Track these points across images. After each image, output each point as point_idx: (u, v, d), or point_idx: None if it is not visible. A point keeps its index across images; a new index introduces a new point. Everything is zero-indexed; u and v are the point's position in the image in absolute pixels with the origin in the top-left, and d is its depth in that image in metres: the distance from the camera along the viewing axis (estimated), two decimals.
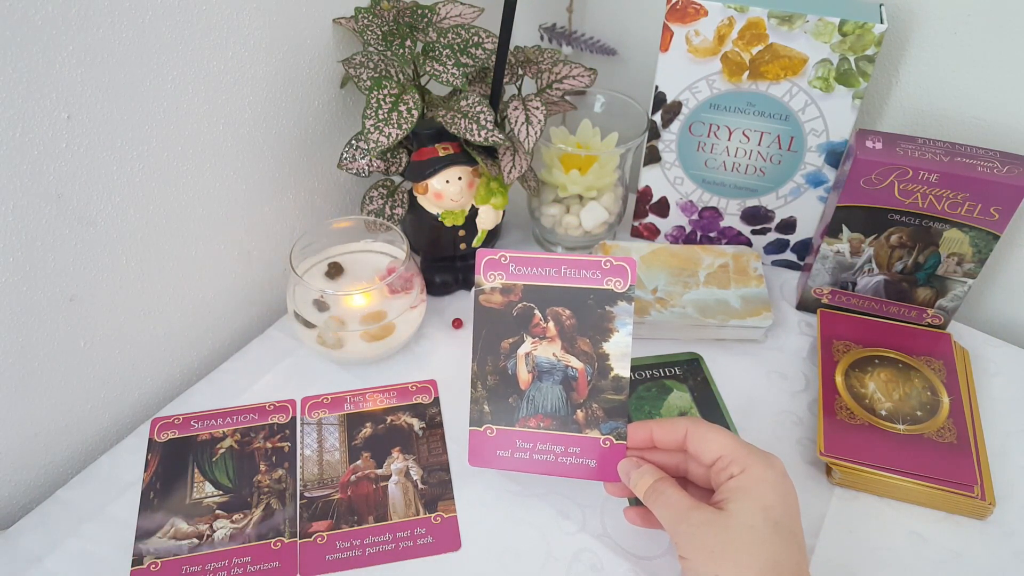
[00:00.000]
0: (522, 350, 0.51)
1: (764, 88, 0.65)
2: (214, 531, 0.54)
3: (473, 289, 0.52)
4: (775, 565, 0.41)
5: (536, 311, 0.51)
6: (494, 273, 0.51)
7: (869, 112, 0.71)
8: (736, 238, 0.76)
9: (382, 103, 0.59)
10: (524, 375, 0.51)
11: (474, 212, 0.67)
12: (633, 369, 0.63)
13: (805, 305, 0.71)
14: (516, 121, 0.63)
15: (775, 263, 0.77)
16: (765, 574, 0.41)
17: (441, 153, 0.63)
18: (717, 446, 0.46)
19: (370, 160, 0.65)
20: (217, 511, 0.55)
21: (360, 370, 0.65)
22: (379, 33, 0.62)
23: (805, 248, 0.74)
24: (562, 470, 0.51)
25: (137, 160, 0.54)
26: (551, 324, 0.51)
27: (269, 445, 0.59)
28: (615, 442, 0.50)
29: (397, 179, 0.69)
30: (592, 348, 0.51)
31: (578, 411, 0.51)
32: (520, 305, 0.51)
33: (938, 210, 0.60)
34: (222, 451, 0.59)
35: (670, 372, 0.64)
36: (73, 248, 0.52)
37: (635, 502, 0.53)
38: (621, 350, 0.50)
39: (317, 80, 0.65)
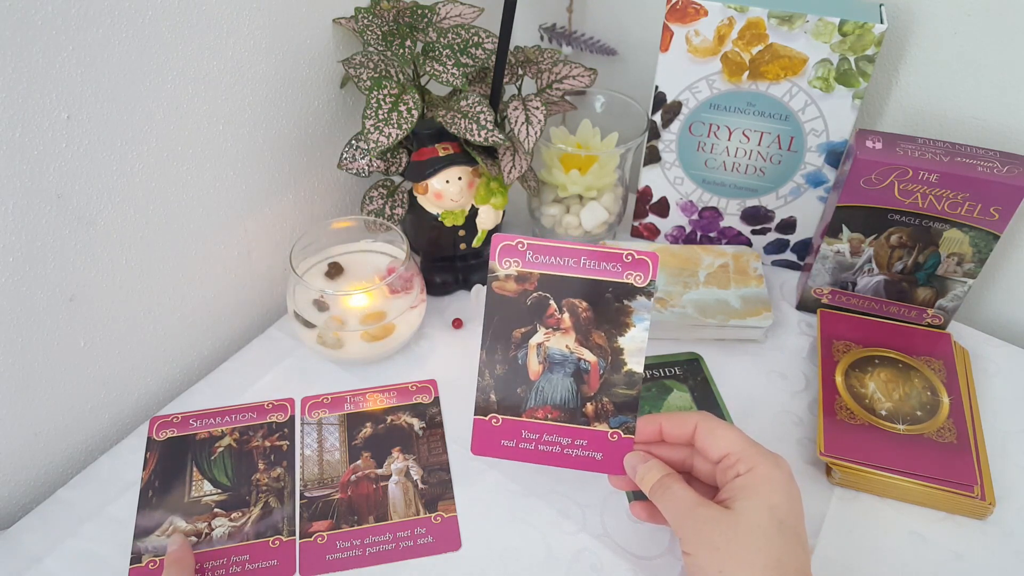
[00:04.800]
0: (534, 340, 0.50)
1: (764, 88, 0.65)
2: (212, 529, 0.54)
3: (487, 275, 0.51)
4: (779, 564, 0.41)
5: (551, 301, 0.50)
6: (509, 260, 0.50)
7: (869, 112, 0.71)
8: (736, 238, 0.76)
9: (382, 103, 0.59)
10: (535, 366, 0.50)
11: (474, 212, 0.67)
12: None
13: (805, 305, 0.71)
14: (516, 121, 0.63)
15: (775, 263, 0.77)
16: (769, 572, 0.41)
17: (441, 153, 0.63)
18: (726, 442, 0.46)
19: (370, 160, 0.65)
20: (215, 509, 0.55)
21: (360, 370, 0.65)
22: (379, 33, 0.62)
23: (805, 248, 0.74)
24: (567, 462, 0.50)
25: (137, 160, 0.54)
26: (566, 315, 0.50)
27: (267, 444, 0.59)
28: (623, 436, 0.49)
29: (397, 179, 0.69)
30: (607, 342, 0.50)
31: (588, 404, 0.50)
32: (535, 294, 0.50)
33: (938, 210, 0.60)
34: (220, 450, 0.59)
35: (670, 372, 0.64)
36: (73, 248, 0.52)
37: (635, 497, 0.53)
38: (637, 345, 0.49)
39: (317, 80, 0.65)
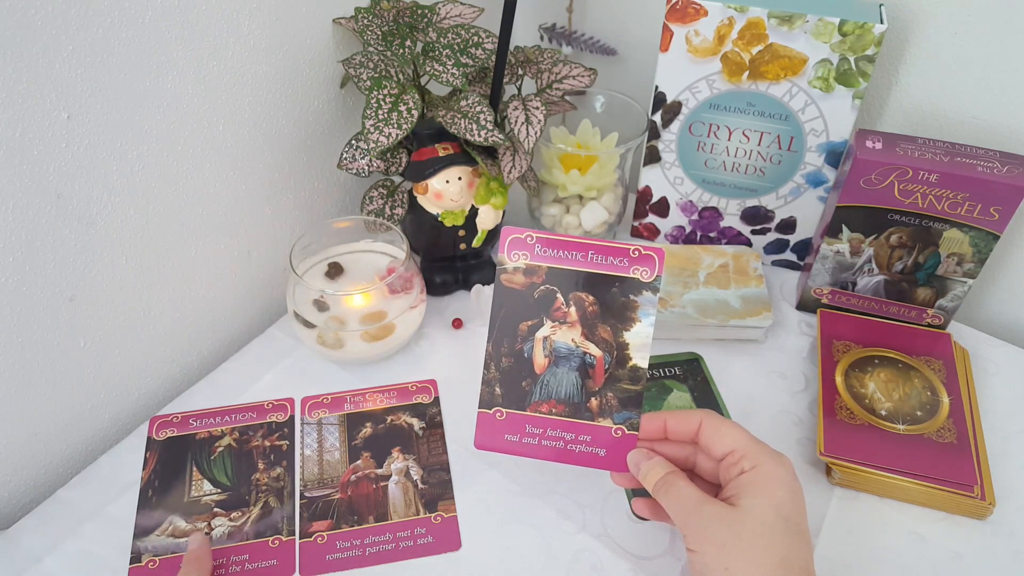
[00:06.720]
0: (540, 333, 0.50)
1: (764, 88, 0.65)
2: (212, 529, 0.54)
3: (489, 273, 0.50)
4: (784, 561, 0.41)
5: (559, 295, 0.50)
6: (518, 252, 0.50)
7: (869, 112, 0.71)
8: (736, 238, 0.76)
9: (382, 103, 0.59)
10: (540, 359, 0.50)
11: (474, 212, 0.67)
12: None
13: (805, 305, 0.71)
14: (516, 121, 0.63)
15: (775, 263, 0.77)
16: (775, 570, 0.41)
17: (441, 153, 0.63)
18: (730, 440, 0.46)
19: (370, 160, 0.65)
20: (215, 509, 0.55)
21: (360, 370, 0.65)
22: (379, 33, 0.62)
23: (805, 248, 0.74)
24: (570, 457, 0.50)
25: (137, 160, 0.54)
26: (573, 309, 0.50)
27: (267, 443, 0.59)
28: (627, 432, 0.49)
29: (397, 179, 0.69)
30: (612, 336, 0.50)
31: (592, 399, 0.50)
32: (542, 287, 0.50)
33: (938, 210, 0.60)
34: (220, 449, 0.59)
35: (670, 372, 0.64)
36: (73, 248, 0.52)
37: (636, 494, 0.53)
38: (642, 340, 0.50)
39: (317, 80, 0.65)
